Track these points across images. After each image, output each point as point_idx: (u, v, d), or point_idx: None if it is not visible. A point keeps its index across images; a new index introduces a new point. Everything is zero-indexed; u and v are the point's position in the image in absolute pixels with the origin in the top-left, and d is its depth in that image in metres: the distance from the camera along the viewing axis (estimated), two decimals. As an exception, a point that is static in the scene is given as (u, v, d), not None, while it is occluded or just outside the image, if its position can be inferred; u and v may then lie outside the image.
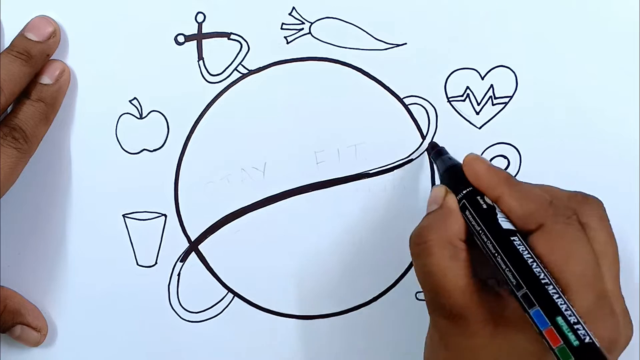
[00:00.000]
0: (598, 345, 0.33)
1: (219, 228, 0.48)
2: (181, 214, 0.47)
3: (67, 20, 0.44)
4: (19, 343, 0.48)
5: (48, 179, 0.46)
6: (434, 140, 0.46)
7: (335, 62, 0.46)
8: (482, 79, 0.46)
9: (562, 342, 0.33)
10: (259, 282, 0.48)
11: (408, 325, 0.48)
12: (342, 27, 0.46)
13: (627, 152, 0.47)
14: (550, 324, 0.34)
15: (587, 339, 0.33)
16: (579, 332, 0.34)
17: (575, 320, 0.34)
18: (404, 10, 0.45)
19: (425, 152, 0.47)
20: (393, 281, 0.48)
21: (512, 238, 0.37)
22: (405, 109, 0.47)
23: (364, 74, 0.46)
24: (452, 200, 0.40)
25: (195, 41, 0.45)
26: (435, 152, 0.45)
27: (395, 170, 0.47)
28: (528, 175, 0.47)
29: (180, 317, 0.49)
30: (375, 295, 0.48)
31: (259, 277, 0.48)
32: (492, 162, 0.47)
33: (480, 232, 0.38)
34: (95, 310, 0.48)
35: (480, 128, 0.47)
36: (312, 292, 0.49)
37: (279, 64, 0.46)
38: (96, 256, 0.48)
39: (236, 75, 0.46)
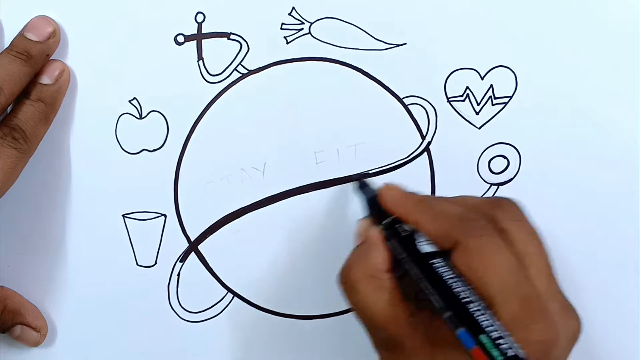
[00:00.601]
0: (522, 356, 0.33)
1: (219, 228, 0.48)
2: (181, 214, 0.48)
3: (67, 20, 0.44)
4: (18, 343, 0.48)
5: (48, 179, 0.46)
6: (358, 173, 0.47)
7: (335, 62, 0.46)
8: (482, 79, 0.46)
9: None
10: (258, 282, 0.48)
11: (408, 325, 0.48)
12: (342, 27, 0.46)
13: (627, 152, 0.47)
14: (475, 342, 0.34)
15: (510, 352, 0.33)
16: (501, 347, 0.34)
17: (498, 336, 0.34)
18: (404, 10, 0.45)
19: (425, 153, 0.47)
20: (393, 281, 0.48)
21: (432, 261, 0.37)
22: (405, 109, 0.47)
23: (364, 74, 0.46)
24: (374, 232, 0.41)
25: (195, 41, 0.45)
26: (360, 184, 0.46)
27: (395, 170, 0.47)
28: (528, 175, 0.47)
29: (180, 317, 0.49)
30: (375, 295, 0.48)
31: (258, 277, 0.48)
32: (492, 162, 0.47)
33: (404, 259, 0.39)
34: (95, 311, 0.48)
35: (480, 128, 0.47)
36: (312, 292, 0.49)
37: (278, 64, 0.46)
38: (96, 256, 0.48)
39: (236, 75, 0.46)
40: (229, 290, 0.49)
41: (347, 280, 0.40)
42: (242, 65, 0.46)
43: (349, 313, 0.49)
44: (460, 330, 0.35)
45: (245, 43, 0.45)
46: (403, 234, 0.39)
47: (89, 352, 0.49)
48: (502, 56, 0.46)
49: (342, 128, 0.47)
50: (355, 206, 0.47)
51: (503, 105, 0.47)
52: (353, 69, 0.46)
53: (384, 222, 0.41)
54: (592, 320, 0.48)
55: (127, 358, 0.49)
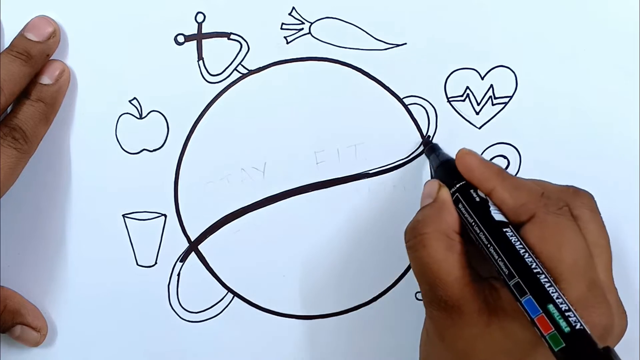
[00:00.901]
0: (589, 331, 0.34)
1: (219, 228, 0.48)
2: (181, 214, 0.47)
3: (67, 20, 0.44)
4: (19, 343, 0.48)
5: (48, 179, 0.46)
6: (427, 136, 0.47)
7: (335, 62, 0.46)
8: (482, 79, 0.46)
9: (553, 329, 0.34)
10: (259, 282, 0.48)
11: (408, 325, 0.48)
12: (342, 27, 0.46)
13: (627, 152, 0.47)
14: (541, 311, 0.34)
15: (578, 326, 0.34)
16: (570, 319, 0.34)
17: (567, 308, 0.34)
18: (404, 10, 0.45)
19: (425, 152, 0.47)
20: (393, 281, 0.48)
21: (504, 229, 0.38)
22: (405, 109, 0.47)
23: (364, 74, 0.46)
24: (446, 194, 0.41)
25: (195, 41, 0.45)
26: (429, 148, 0.46)
27: (395, 170, 0.47)
28: (528, 175, 0.47)
29: (180, 317, 0.49)
30: (375, 295, 0.48)
31: (259, 277, 0.48)
32: (492, 162, 0.47)
33: (473, 224, 0.39)
34: (95, 311, 0.48)
35: (480, 128, 0.47)
36: (312, 292, 0.49)
37: (278, 64, 0.46)
38: (96, 256, 0.48)
39: (236, 75, 0.46)
40: (229, 290, 0.49)
41: (416, 234, 0.39)
42: (242, 65, 0.46)
43: (349, 313, 0.49)
44: (527, 298, 0.35)
45: (245, 43, 0.45)
46: (477, 199, 0.39)
47: (89, 352, 0.49)
48: (502, 56, 0.46)
49: (342, 128, 0.47)
50: (356, 206, 0.47)
51: (503, 105, 0.47)
52: (353, 69, 0.46)
53: (457, 186, 0.41)
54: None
55: (127, 358, 0.49)
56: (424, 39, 0.46)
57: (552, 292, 0.35)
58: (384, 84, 0.46)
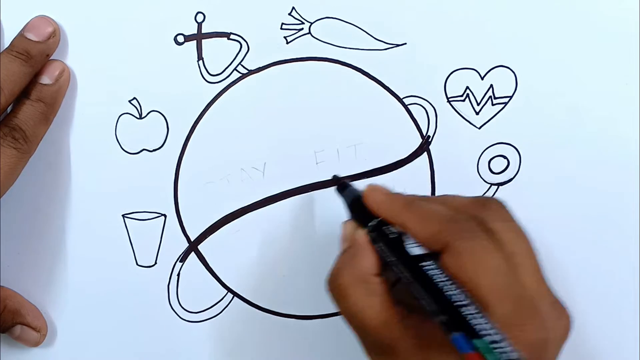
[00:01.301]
0: (519, 357, 0.33)
1: (219, 228, 0.48)
2: (181, 214, 0.47)
3: (67, 20, 0.44)
4: (18, 343, 0.48)
5: (48, 179, 0.46)
6: (335, 175, 0.46)
7: (335, 62, 0.46)
8: (482, 79, 0.46)
9: None
10: (258, 282, 0.48)
11: (408, 325, 0.48)
12: (342, 27, 0.46)
13: (627, 152, 0.47)
14: (470, 348, 0.34)
15: (505, 356, 0.33)
16: (497, 351, 0.33)
17: (493, 339, 0.34)
18: (404, 10, 0.45)
19: (425, 153, 0.47)
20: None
21: (421, 264, 0.37)
22: (405, 109, 0.47)
23: (364, 74, 0.46)
24: (361, 236, 0.40)
25: (195, 41, 0.45)
26: (340, 185, 0.45)
27: (395, 170, 0.47)
28: (528, 175, 0.47)
29: (180, 317, 0.49)
30: (375, 295, 0.48)
31: (258, 277, 0.48)
32: (492, 162, 0.47)
33: (394, 261, 0.38)
34: (95, 311, 0.48)
35: (480, 128, 0.47)
36: (312, 292, 0.49)
37: (278, 64, 0.46)
38: (96, 256, 0.48)
39: (236, 75, 0.46)
40: (229, 290, 0.49)
41: (335, 285, 0.39)
42: (242, 65, 0.46)
43: (349, 313, 0.49)
44: (455, 335, 0.35)
45: (245, 43, 0.45)
46: (391, 236, 0.39)
47: (89, 352, 0.49)
48: (502, 56, 0.46)
49: (342, 128, 0.47)
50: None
51: (503, 105, 0.47)
52: (353, 69, 0.46)
53: (370, 225, 0.40)
54: (592, 320, 0.48)
55: (127, 358, 0.49)
56: (424, 39, 0.46)
57: (477, 325, 0.34)
58: (384, 84, 0.46)
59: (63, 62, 0.45)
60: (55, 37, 0.44)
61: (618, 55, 0.46)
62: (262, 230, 0.48)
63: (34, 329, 0.48)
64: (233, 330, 0.49)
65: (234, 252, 0.48)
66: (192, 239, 0.48)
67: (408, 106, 0.46)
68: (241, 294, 0.49)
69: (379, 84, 0.46)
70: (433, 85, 0.46)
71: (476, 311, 0.35)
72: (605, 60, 0.46)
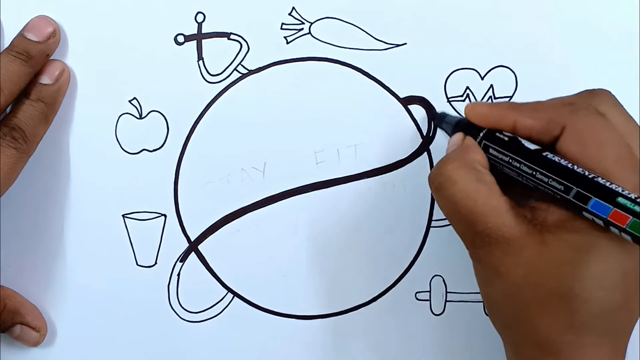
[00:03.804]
0: None
1: (219, 228, 0.48)
2: (181, 214, 0.48)
3: (67, 20, 0.44)
4: (18, 343, 0.48)
5: (48, 179, 0.46)
6: (433, 110, 0.46)
7: (335, 62, 0.46)
8: (482, 79, 0.46)
9: (631, 217, 0.34)
10: (259, 282, 0.48)
11: (408, 325, 0.48)
12: (342, 27, 0.46)
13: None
14: (612, 207, 0.34)
15: None
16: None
17: (634, 196, 0.34)
18: (404, 10, 0.45)
19: (425, 153, 0.47)
20: (393, 281, 0.48)
21: (544, 153, 0.37)
22: (405, 109, 0.47)
23: (364, 74, 0.46)
24: (471, 140, 0.40)
25: (195, 41, 0.45)
26: (438, 118, 0.45)
27: (395, 170, 0.47)
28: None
29: (180, 317, 0.49)
30: (375, 295, 0.48)
31: (259, 277, 0.48)
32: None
33: (510, 161, 0.38)
34: (95, 311, 0.48)
35: (480, 128, 0.47)
36: (312, 292, 0.48)
37: (278, 64, 0.46)
38: (96, 256, 0.48)
39: (236, 75, 0.46)
40: (229, 290, 0.49)
41: (442, 172, 0.38)
42: (242, 65, 0.46)
43: (349, 313, 0.49)
44: (593, 202, 0.35)
45: (245, 43, 0.45)
46: (506, 139, 0.39)
47: (89, 352, 0.49)
48: (502, 56, 0.46)
49: (342, 128, 0.47)
50: (355, 206, 0.47)
51: (503, 105, 0.47)
52: (353, 69, 0.46)
53: (481, 135, 0.40)
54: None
55: (127, 358, 0.49)
56: (424, 39, 0.46)
57: (615, 188, 0.35)
58: (384, 84, 0.46)
59: (63, 62, 0.45)
60: (55, 37, 0.44)
61: (618, 55, 0.46)
62: (262, 230, 0.48)
63: (33, 328, 0.48)
64: (233, 330, 0.49)
65: (234, 252, 0.48)
66: (192, 239, 0.48)
67: (408, 106, 0.46)
68: (241, 294, 0.49)
69: (379, 84, 0.46)
70: (433, 85, 0.46)
71: (606, 180, 0.35)
72: (605, 60, 0.46)
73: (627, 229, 0.34)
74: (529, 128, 0.38)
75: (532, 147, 0.38)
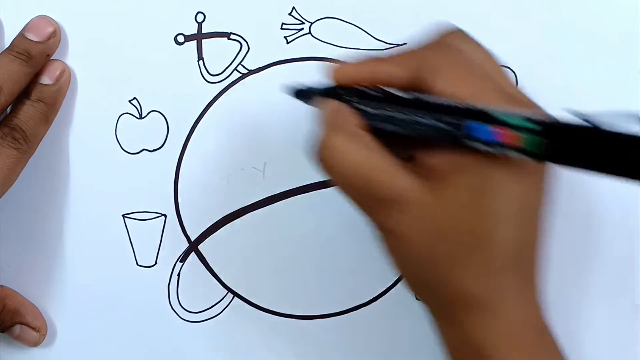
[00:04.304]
0: (560, 120, 0.32)
1: (219, 228, 0.48)
2: (181, 214, 0.48)
3: (67, 20, 0.44)
4: (18, 343, 0.48)
5: (48, 179, 0.46)
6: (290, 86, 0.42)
7: (336, 62, 0.46)
8: (482, 79, 0.46)
9: (521, 135, 0.31)
10: (259, 282, 0.48)
11: (408, 325, 0.48)
12: (342, 27, 0.46)
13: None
14: (499, 129, 0.32)
15: (535, 116, 0.32)
16: (532, 117, 0.32)
17: (521, 113, 0.32)
18: (404, 11, 0.45)
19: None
20: (393, 281, 0.48)
21: (419, 98, 0.35)
22: (405, 109, 0.46)
23: (364, 74, 0.46)
24: (337, 102, 0.38)
25: (195, 41, 0.45)
26: (302, 93, 0.41)
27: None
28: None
29: (180, 317, 0.49)
30: (375, 295, 0.48)
31: (259, 277, 0.48)
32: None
33: (388, 114, 0.36)
34: (95, 311, 0.48)
35: (480, 128, 0.47)
36: (312, 292, 0.49)
37: (279, 64, 0.46)
38: (96, 256, 0.48)
39: (236, 75, 0.46)
40: (229, 290, 0.49)
41: (327, 146, 0.36)
42: (242, 65, 0.46)
43: (349, 313, 0.49)
44: (472, 123, 0.33)
45: (245, 43, 0.46)
46: (374, 93, 0.37)
47: (89, 352, 0.49)
48: (502, 56, 0.46)
49: (342, 128, 0.47)
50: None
51: (503, 105, 0.47)
52: (353, 69, 0.46)
53: (353, 95, 0.38)
54: (592, 320, 0.48)
55: (127, 358, 0.49)
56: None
57: (502, 110, 0.32)
58: (384, 84, 0.46)
59: (63, 62, 0.45)
60: (55, 37, 0.44)
61: (618, 55, 0.46)
62: (262, 230, 0.48)
63: (33, 328, 0.48)
64: (233, 330, 0.49)
65: (234, 252, 0.48)
66: (192, 239, 0.48)
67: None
68: (241, 294, 0.49)
69: (379, 84, 0.46)
70: (433, 85, 0.46)
71: (484, 105, 0.33)
72: (605, 60, 0.46)
73: (520, 149, 0.32)
74: (398, 77, 0.37)
75: (407, 95, 0.36)
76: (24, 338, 0.48)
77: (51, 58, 0.45)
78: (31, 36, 0.44)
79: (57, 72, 0.44)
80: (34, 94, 0.44)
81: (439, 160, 0.35)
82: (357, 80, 0.38)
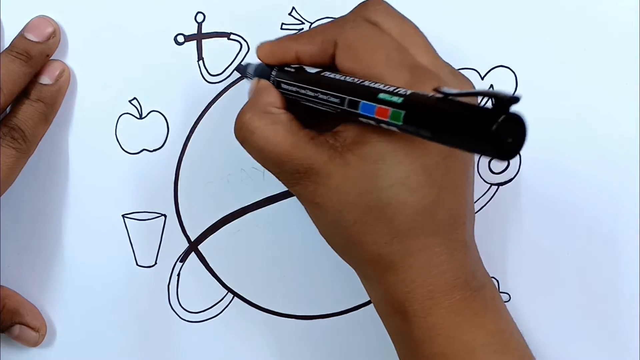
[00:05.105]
0: (421, 93, 0.33)
1: (219, 228, 0.48)
2: (181, 214, 0.47)
3: (67, 20, 0.44)
4: (18, 343, 0.48)
5: (48, 179, 0.46)
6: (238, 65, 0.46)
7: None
8: (482, 79, 0.46)
9: (390, 109, 0.34)
10: (259, 282, 0.48)
11: (408, 325, 0.48)
12: (342, 27, 0.46)
13: (627, 152, 0.47)
14: (376, 104, 0.34)
15: (409, 92, 0.34)
16: (399, 92, 0.34)
17: (396, 89, 0.34)
18: (404, 11, 0.45)
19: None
20: (393, 281, 0.48)
21: (322, 74, 0.39)
22: (405, 109, 0.46)
23: (364, 74, 0.46)
24: (263, 82, 0.41)
25: (195, 41, 0.45)
26: (242, 69, 0.46)
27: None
28: (528, 175, 0.47)
29: (180, 317, 0.49)
30: (375, 295, 0.48)
31: (259, 277, 0.48)
32: (492, 162, 0.47)
33: (297, 89, 0.39)
34: (95, 311, 0.48)
35: (480, 128, 0.47)
36: (312, 292, 0.49)
37: (278, 64, 0.46)
38: (96, 256, 0.48)
39: (236, 75, 0.46)
40: (229, 290, 0.49)
41: (241, 124, 0.39)
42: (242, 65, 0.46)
43: (350, 313, 0.49)
44: (361, 104, 0.35)
45: (245, 43, 0.45)
46: (292, 70, 0.40)
47: (88, 352, 0.49)
48: (502, 56, 0.46)
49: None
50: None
51: (503, 105, 0.46)
52: (353, 69, 0.46)
53: (273, 73, 0.41)
54: (592, 320, 0.48)
55: (127, 358, 0.49)
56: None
57: (376, 85, 0.35)
58: (384, 84, 0.46)
59: (63, 62, 0.45)
60: (55, 37, 0.44)
61: (618, 55, 0.46)
62: (262, 230, 0.48)
63: (32, 328, 0.48)
64: (233, 330, 0.49)
65: (234, 252, 0.48)
66: (192, 239, 0.48)
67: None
68: (241, 294, 0.49)
69: (379, 84, 0.46)
70: (433, 85, 0.46)
71: (372, 82, 0.36)
72: (605, 60, 0.46)
73: (388, 122, 0.34)
74: (309, 54, 0.40)
75: (313, 70, 0.39)
76: (23, 338, 0.48)
77: (51, 58, 0.44)
78: (31, 36, 0.43)
79: (57, 72, 0.44)
80: (34, 94, 0.44)
81: (349, 133, 0.37)
82: (278, 57, 0.41)
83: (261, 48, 0.42)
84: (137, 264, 0.48)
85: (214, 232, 0.48)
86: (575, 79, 0.46)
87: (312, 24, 0.45)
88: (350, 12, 0.40)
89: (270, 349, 0.49)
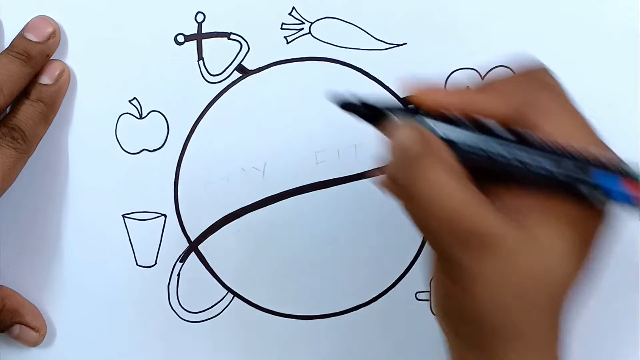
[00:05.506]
0: None
1: (219, 228, 0.48)
2: (181, 214, 0.47)
3: (67, 20, 0.44)
4: (18, 343, 0.48)
5: (48, 179, 0.46)
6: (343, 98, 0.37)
7: (335, 62, 0.46)
8: (482, 79, 0.46)
9: None
10: (259, 282, 0.48)
11: (408, 325, 0.48)
12: (342, 27, 0.46)
13: (627, 152, 0.47)
14: (621, 176, 0.31)
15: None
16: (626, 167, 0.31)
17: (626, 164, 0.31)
18: (404, 10, 0.45)
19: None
20: (393, 281, 0.48)
21: (523, 134, 0.33)
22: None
23: (364, 74, 0.46)
24: (421, 127, 0.34)
25: (195, 41, 0.45)
26: (355, 108, 0.37)
27: (395, 170, 0.47)
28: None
29: (180, 317, 0.49)
30: (375, 295, 0.48)
31: (259, 277, 0.48)
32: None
33: (481, 142, 0.33)
34: (95, 311, 0.48)
35: (480, 128, 0.47)
36: (312, 292, 0.49)
37: (279, 64, 0.46)
38: (96, 256, 0.48)
39: (236, 75, 0.46)
40: (229, 290, 0.49)
41: (416, 172, 0.32)
42: (242, 65, 0.46)
43: (349, 313, 0.49)
44: (600, 172, 0.31)
45: (245, 43, 0.45)
46: (466, 122, 0.34)
47: (88, 352, 0.49)
48: (502, 56, 0.46)
49: (342, 128, 0.47)
50: (355, 206, 0.47)
51: (503, 105, 0.46)
52: (353, 69, 0.46)
53: (435, 117, 0.34)
54: (592, 320, 0.48)
55: (126, 358, 0.49)
56: (424, 39, 0.46)
57: (610, 160, 0.31)
58: (384, 84, 0.46)
59: (63, 62, 0.45)
60: (55, 37, 0.44)
61: (618, 55, 0.46)
62: (262, 230, 0.48)
63: (32, 328, 0.48)
64: (233, 330, 0.49)
65: (234, 252, 0.48)
66: (192, 239, 0.48)
67: (408, 106, 0.46)
68: (241, 294, 0.49)
69: (379, 84, 0.46)
70: (433, 85, 0.46)
71: (594, 154, 0.32)
72: (605, 60, 0.46)
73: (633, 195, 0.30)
74: (498, 112, 0.34)
75: (502, 131, 0.34)
76: (23, 338, 0.48)
77: (51, 58, 0.44)
78: (31, 36, 0.43)
79: (57, 72, 0.44)
80: (34, 94, 0.44)
81: (528, 202, 0.33)
82: (446, 107, 0.34)
83: (427, 93, 0.35)
84: (137, 264, 0.48)
85: (214, 232, 0.48)
86: (575, 79, 0.46)
87: (312, 24, 0.45)
88: (528, 72, 0.37)
89: (271, 349, 0.49)
